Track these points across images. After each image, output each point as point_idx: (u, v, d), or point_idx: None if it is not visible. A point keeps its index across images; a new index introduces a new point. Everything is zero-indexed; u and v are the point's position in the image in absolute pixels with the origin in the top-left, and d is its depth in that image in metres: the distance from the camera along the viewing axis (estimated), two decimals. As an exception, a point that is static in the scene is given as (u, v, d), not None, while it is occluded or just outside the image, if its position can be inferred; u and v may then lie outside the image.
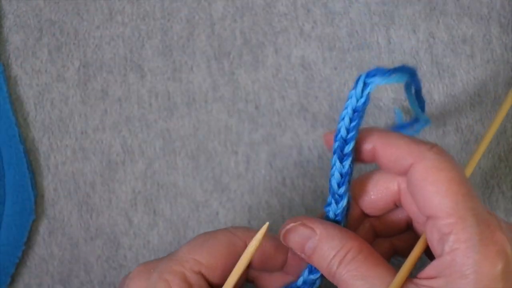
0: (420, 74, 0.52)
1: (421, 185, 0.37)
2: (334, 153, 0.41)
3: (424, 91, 0.52)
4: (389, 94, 0.52)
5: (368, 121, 0.52)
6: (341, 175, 0.41)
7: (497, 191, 0.51)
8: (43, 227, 0.51)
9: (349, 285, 0.37)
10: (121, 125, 0.52)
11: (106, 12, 0.53)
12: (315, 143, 0.51)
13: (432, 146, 0.38)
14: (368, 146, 0.40)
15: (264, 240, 0.39)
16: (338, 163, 0.41)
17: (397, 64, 0.52)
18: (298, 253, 0.40)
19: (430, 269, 0.37)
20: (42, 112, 0.52)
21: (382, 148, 0.39)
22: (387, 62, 0.52)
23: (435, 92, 0.52)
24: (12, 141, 0.51)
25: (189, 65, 0.52)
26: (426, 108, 0.52)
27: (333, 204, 0.42)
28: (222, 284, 0.40)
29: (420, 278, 0.37)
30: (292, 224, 0.39)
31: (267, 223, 0.39)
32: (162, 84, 0.52)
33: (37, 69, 0.52)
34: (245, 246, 0.40)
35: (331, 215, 0.42)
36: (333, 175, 0.41)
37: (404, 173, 0.38)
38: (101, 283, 0.51)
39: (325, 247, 0.38)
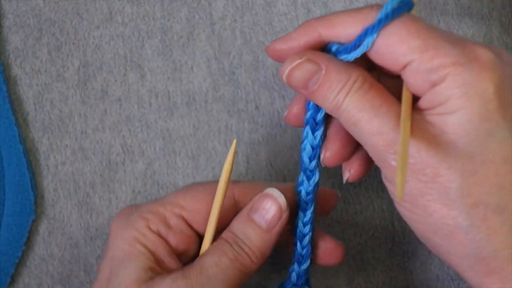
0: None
1: (381, 43, 0.36)
2: (306, 124, 0.42)
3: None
4: (389, 94, 0.52)
5: (368, 121, 0.51)
6: (312, 148, 0.42)
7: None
8: (43, 227, 0.51)
9: (355, 116, 0.36)
10: (121, 125, 0.52)
11: (106, 12, 0.53)
12: (316, 143, 0.51)
13: (371, 6, 0.37)
14: (315, 34, 0.38)
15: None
16: (310, 135, 0.42)
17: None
18: (301, 91, 0.38)
19: (424, 103, 0.36)
20: (41, 112, 0.52)
21: (327, 33, 0.38)
22: (388, 62, 0.52)
23: (435, 92, 0.52)
24: (11, 141, 0.51)
25: (189, 65, 0.52)
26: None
27: (305, 182, 0.42)
28: (203, 228, 0.40)
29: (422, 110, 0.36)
30: (298, 61, 0.37)
31: (235, 140, 0.40)
32: (162, 84, 0.52)
33: (37, 69, 0.52)
34: (232, 196, 0.41)
35: (303, 194, 0.42)
36: (304, 149, 0.42)
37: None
38: (101, 283, 0.51)
39: (331, 79, 0.37)
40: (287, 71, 0.38)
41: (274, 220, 0.39)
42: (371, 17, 0.36)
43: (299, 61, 0.37)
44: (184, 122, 0.52)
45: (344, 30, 0.37)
